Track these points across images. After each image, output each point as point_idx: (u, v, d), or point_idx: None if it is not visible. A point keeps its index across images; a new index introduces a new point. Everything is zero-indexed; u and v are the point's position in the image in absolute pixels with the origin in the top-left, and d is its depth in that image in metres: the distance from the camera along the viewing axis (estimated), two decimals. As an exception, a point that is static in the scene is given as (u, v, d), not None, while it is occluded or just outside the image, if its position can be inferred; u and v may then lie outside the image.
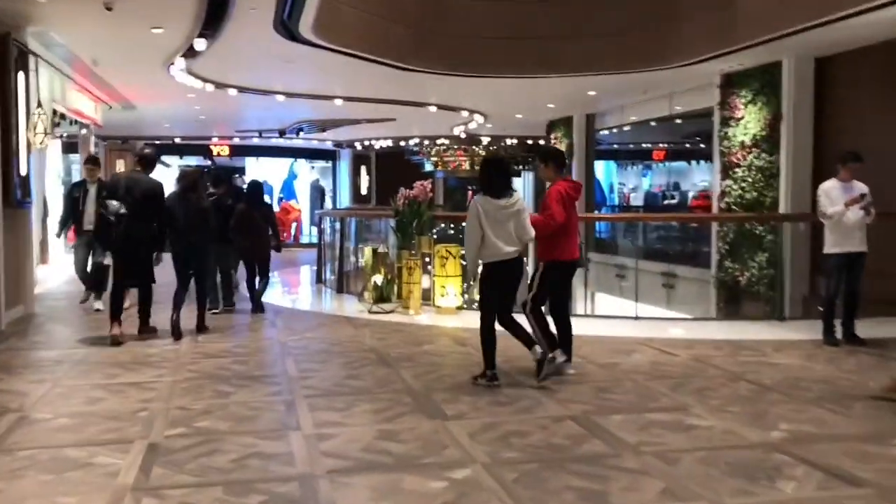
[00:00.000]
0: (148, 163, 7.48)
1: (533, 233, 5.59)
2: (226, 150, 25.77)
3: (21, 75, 8.39)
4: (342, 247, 11.32)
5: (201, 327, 7.66)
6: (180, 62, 10.81)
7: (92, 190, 8.77)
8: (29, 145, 8.64)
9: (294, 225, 24.26)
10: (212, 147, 25.57)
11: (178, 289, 7.51)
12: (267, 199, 11.13)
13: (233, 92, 13.31)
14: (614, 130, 18.31)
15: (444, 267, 8.79)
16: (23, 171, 8.44)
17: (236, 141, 24.60)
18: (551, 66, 12.07)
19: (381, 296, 9.05)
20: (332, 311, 9.52)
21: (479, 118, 17.40)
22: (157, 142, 23.80)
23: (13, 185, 8.16)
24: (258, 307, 9.00)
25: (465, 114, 16.75)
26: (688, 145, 26.52)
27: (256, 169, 27.53)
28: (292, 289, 13.23)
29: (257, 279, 9.21)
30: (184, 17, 8.48)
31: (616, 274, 15.98)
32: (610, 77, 12.49)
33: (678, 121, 16.94)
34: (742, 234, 11.45)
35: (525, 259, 5.90)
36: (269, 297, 10.22)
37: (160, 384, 5.58)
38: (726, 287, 11.85)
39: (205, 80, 12.48)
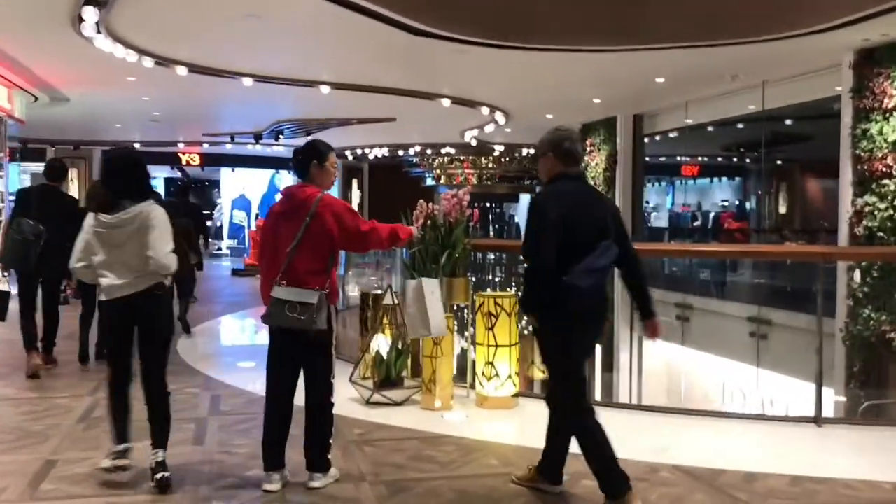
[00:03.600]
0: (57, 174, 6.76)
1: (167, 260, 3.88)
2: (196, 159, 22.30)
3: None
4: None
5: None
6: (91, 14, 7.37)
7: None
8: None
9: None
10: (180, 155, 22.10)
11: (85, 312, 6.77)
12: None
13: (182, 71, 9.84)
14: (657, 138, 15.05)
15: (493, 330, 5.34)
16: None
17: (206, 147, 21.09)
18: (621, 36, 8.68)
19: (387, 376, 5.56)
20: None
21: (500, 118, 14.00)
22: (114, 147, 20.43)
23: None
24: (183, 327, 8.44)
25: (484, 111, 13.33)
26: (720, 159, 23.69)
27: (233, 181, 24.17)
28: (253, 348, 8.32)
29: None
30: None
31: (677, 316, 12.61)
32: (693, 54, 9.08)
33: (736, 125, 13.76)
34: (892, 272, 8.11)
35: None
36: (214, 362, 6.98)
37: None
38: (865, 345, 8.46)
39: (140, 51, 9.04)
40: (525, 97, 12.45)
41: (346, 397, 5.49)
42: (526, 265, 3.66)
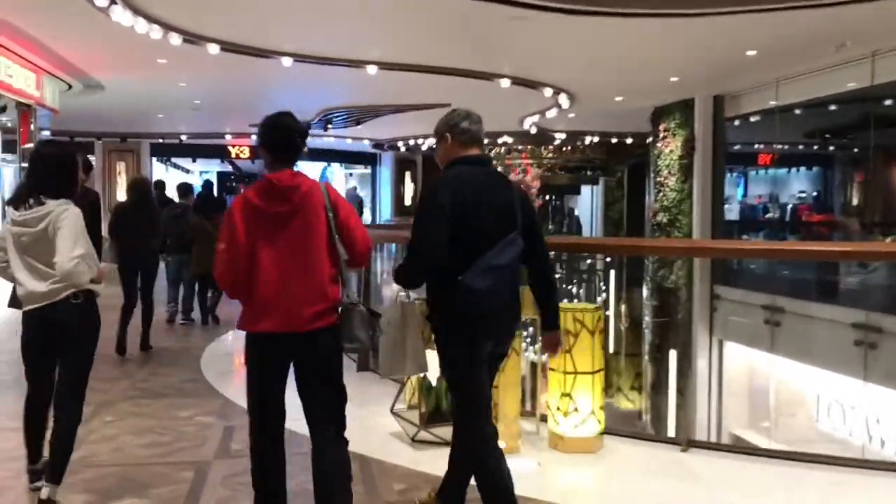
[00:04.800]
0: None
1: (70, 266, 3.25)
2: (246, 152, 21.57)
3: None
4: (367, 292, 6.72)
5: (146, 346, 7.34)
6: (101, -21, 6.48)
7: None
8: None
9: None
10: (230, 148, 21.38)
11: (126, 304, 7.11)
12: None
13: (213, 49, 8.92)
14: (736, 123, 13.60)
15: (570, 353, 4.21)
16: None
17: (255, 139, 20.29)
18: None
19: (437, 407, 4.47)
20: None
21: (563, 101, 12.79)
22: (161, 140, 19.87)
23: None
24: (209, 318, 9.08)
25: (547, 93, 12.14)
26: (801, 147, 22.11)
27: (282, 174, 23.39)
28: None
29: (209, 293, 9.18)
30: None
31: (765, 320, 11.25)
32: (796, 18, 7.75)
33: (827, 107, 12.24)
34: None
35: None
36: (239, 378, 6.04)
37: None
38: None
39: (165, 26, 8.14)
40: (593, 76, 11.23)
41: (387, 432, 4.43)
42: (405, 256, 3.19)
